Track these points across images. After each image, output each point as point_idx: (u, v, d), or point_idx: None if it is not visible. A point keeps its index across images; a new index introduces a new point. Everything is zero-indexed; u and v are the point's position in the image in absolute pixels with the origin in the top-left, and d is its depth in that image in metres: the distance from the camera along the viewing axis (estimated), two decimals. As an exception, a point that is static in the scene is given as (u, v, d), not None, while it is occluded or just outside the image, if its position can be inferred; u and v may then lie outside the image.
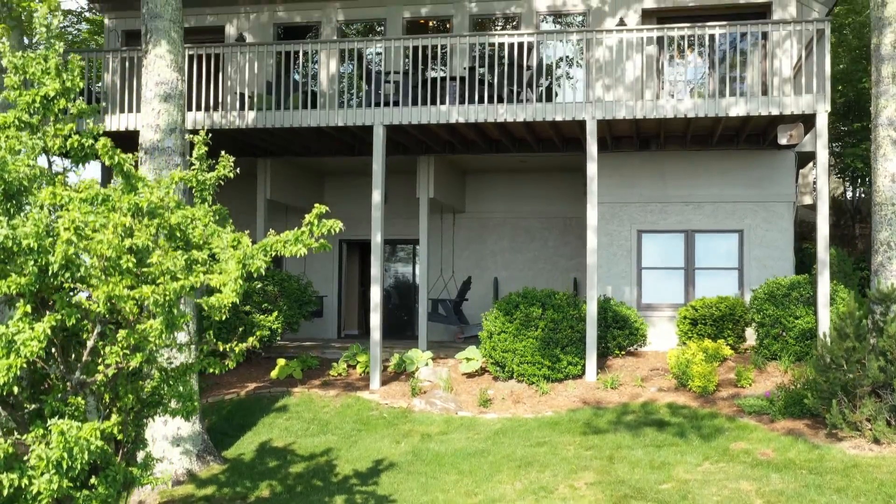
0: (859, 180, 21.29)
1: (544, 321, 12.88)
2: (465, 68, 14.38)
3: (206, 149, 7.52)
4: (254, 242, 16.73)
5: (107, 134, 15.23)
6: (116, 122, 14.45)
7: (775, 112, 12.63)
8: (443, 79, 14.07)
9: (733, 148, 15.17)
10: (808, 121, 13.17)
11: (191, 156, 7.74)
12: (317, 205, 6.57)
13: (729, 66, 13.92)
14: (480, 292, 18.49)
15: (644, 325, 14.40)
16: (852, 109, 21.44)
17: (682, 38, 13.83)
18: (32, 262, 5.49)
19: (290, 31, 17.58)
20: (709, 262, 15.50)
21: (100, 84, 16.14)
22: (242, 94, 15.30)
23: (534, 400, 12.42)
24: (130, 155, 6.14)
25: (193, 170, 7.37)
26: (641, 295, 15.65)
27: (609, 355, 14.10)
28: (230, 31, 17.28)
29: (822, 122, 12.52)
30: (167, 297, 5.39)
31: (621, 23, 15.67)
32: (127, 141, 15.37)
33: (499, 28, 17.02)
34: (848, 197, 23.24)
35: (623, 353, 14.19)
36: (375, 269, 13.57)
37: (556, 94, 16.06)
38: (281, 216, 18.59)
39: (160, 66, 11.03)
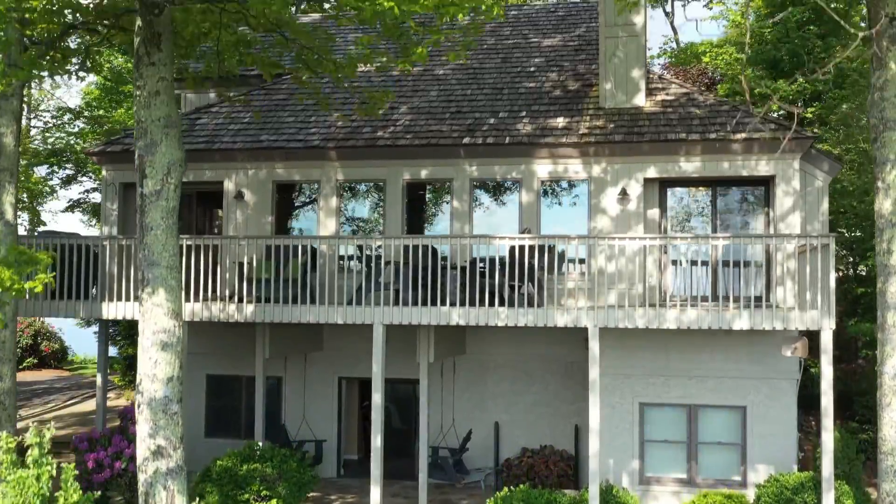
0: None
1: (546, 532, 12.77)
2: (465, 261, 14.25)
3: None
4: (252, 400, 16.73)
5: (103, 322, 15.26)
6: (114, 310, 14.32)
7: (779, 327, 12.53)
8: (443, 267, 13.95)
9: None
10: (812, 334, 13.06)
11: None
12: None
13: (732, 272, 13.82)
14: (482, 434, 18.36)
15: (647, 516, 14.31)
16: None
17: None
18: None
19: (289, 187, 17.46)
20: (711, 436, 15.38)
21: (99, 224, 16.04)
22: (241, 264, 15.21)
23: None
24: None
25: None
26: (644, 468, 15.54)
27: (611, 550, 13.99)
28: (229, 186, 17.14)
29: (826, 339, 12.41)
30: None
31: (623, 193, 15.53)
32: (124, 327, 15.34)
33: (498, 179, 16.86)
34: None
35: (626, 547, 14.08)
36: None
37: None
38: (280, 363, 18.51)
39: (157, 314, 10.90)
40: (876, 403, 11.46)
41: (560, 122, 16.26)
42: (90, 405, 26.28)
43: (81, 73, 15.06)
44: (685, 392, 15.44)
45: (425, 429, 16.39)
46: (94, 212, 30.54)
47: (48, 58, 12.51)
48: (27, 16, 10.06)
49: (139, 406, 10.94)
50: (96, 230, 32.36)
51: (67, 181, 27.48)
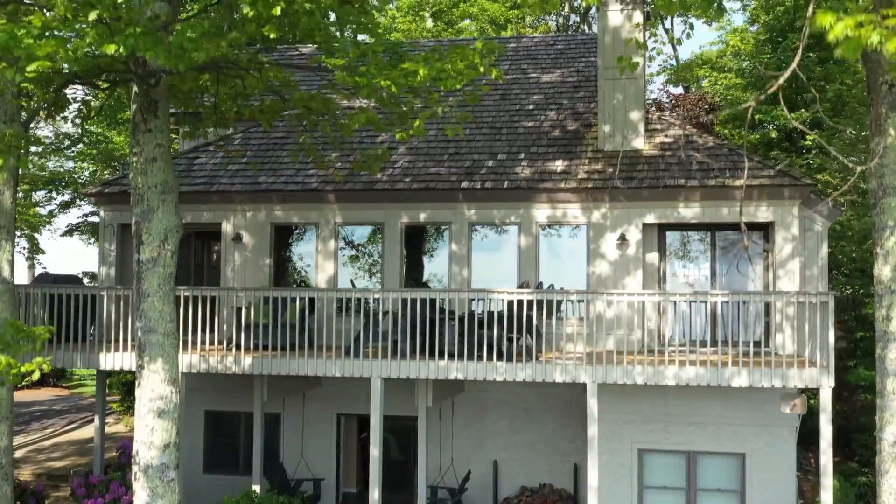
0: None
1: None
2: (464, 312, 14.22)
3: None
4: (251, 447, 16.71)
5: (100, 373, 15.21)
6: (111, 360, 14.30)
7: (778, 385, 12.49)
8: (441, 319, 13.92)
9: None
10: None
11: None
12: None
13: (731, 312, 13.79)
14: (480, 472, 18.33)
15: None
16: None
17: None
18: None
19: (287, 229, 17.42)
20: (711, 483, 15.35)
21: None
22: (239, 309, 15.18)
23: None
24: None
25: None
26: (643, 515, 15.53)
27: None
28: (227, 228, 17.09)
29: (825, 397, 12.38)
30: None
31: (622, 238, 15.50)
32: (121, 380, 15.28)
33: (497, 223, 16.81)
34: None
35: None
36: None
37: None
38: (279, 401, 18.47)
39: (154, 380, 10.86)
40: (874, 441, 11.44)
41: (559, 165, 16.21)
42: (89, 431, 26.23)
43: (78, 122, 14.93)
44: (684, 438, 15.41)
45: (423, 470, 16.37)
46: (94, 231, 30.58)
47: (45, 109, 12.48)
48: (24, 85, 10.01)
49: (135, 474, 10.91)
50: (96, 247, 32.46)
51: (66, 206, 27.47)
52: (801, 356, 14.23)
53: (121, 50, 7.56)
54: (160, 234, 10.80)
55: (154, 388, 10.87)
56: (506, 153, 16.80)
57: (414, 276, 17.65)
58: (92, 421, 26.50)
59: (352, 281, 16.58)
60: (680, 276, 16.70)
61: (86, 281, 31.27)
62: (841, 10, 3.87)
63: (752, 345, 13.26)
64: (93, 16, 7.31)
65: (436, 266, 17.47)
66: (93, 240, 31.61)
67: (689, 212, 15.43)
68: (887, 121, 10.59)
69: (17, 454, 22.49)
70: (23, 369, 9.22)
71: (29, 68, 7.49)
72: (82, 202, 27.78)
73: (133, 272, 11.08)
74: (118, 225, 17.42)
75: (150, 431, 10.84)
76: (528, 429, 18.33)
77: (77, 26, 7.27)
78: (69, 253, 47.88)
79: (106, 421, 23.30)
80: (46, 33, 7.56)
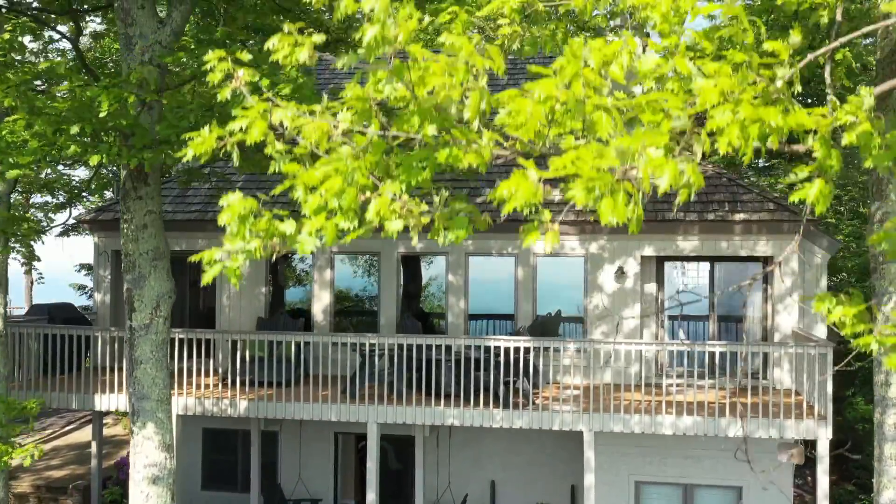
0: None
1: None
2: (460, 352, 14.15)
3: None
4: (249, 463, 16.70)
5: (96, 414, 15.15)
6: (106, 401, 14.25)
7: (775, 435, 12.47)
8: (438, 360, 13.85)
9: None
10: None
11: None
12: None
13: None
14: (477, 493, 18.42)
15: None
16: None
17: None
18: None
19: (283, 257, 17.29)
20: (707, 516, 15.45)
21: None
22: (234, 342, 15.11)
23: None
24: None
25: None
26: (639, 546, 15.62)
27: None
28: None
29: (823, 448, 12.36)
30: None
31: (620, 271, 15.38)
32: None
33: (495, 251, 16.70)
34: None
35: None
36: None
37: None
38: (277, 421, 18.48)
39: (148, 447, 10.83)
40: (872, 461, 11.46)
41: (556, 195, 15.96)
42: (87, 433, 26.32)
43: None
44: (681, 471, 15.44)
45: (421, 493, 16.47)
46: (90, 230, 30.52)
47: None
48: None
49: (131, 539, 10.92)
50: (93, 238, 32.37)
51: (61, 206, 27.33)
52: (798, 393, 14.20)
53: (104, 160, 7.38)
54: (152, 300, 10.69)
55: (148, 455, 10.83)
56: (503, 181, 16.58)
57: (410, 290, 17.60)
58: (90, 422, 26.57)
59: (350, 324, 16.51)
60: (679, 284, 16.64)
61: (83, 274, 31.16)
62: (840, 294, 3.75)
63: (749, 376, 13.25)
64: (75, 129, 7.14)
65: (434, 269, 17.41)
66: (89, 233, 31.51)
67: (687, 244, 15.30)
68: (888, 185, 10.41)
69: (16, 461, 22.57)
70: (14, 455, 9.17)
71: (9, 175, 7.33)
72: (77, 203, 27.62)
73: (126, 339, 10.99)
74: (112, 251, 17.28)
75: (145, 498, 10.83)
76: (525, 449, 18.36)
77: (60, 140, 7.10)
78: (65, 249, 47.53)
79: (104, 422, 23.35)
80: (29, 137, 7.38)
